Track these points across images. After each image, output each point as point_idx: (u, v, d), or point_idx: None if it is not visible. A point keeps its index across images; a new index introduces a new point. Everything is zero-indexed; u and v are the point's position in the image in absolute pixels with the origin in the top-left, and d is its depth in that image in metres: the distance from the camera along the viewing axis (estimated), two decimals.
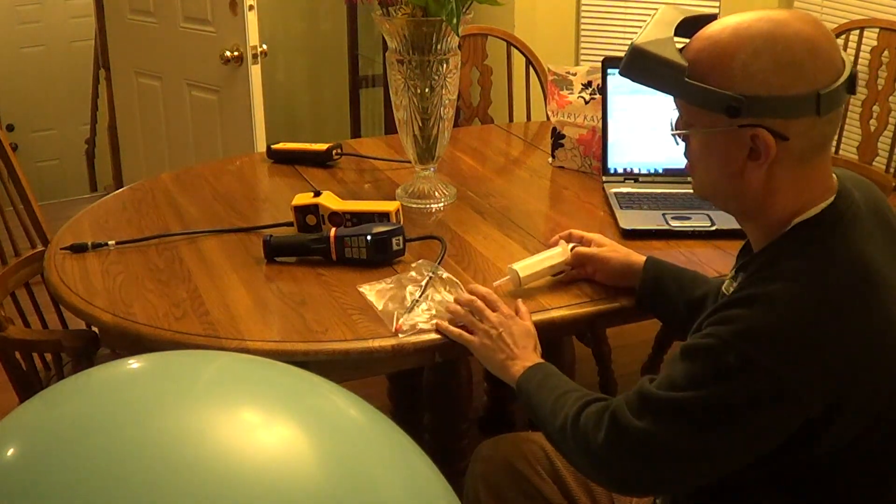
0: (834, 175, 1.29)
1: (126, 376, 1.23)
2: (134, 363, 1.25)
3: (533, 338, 1.60)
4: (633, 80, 1.30)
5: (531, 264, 1.78)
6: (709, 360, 1.20)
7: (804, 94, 1.19)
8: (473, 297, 1.65)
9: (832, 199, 1.25)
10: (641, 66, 1.28)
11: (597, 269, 1.77)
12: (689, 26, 1.30)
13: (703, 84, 1.22)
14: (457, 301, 1.66)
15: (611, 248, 1.77)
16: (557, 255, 1.80)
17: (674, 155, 2.24)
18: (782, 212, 1.26)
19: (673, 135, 1.33)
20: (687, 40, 1.29)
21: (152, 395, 1.15)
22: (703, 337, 1.23)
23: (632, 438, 1.25)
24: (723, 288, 1.44)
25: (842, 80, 1.21)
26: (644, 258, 1.73)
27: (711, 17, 1.29)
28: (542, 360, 1.55)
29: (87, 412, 1.13)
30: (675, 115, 1.32)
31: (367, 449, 1.18)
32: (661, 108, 2.25)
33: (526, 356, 1.56)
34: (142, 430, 1.07)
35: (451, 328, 1.63)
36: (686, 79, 1.23)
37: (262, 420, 1.15)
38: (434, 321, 1.66)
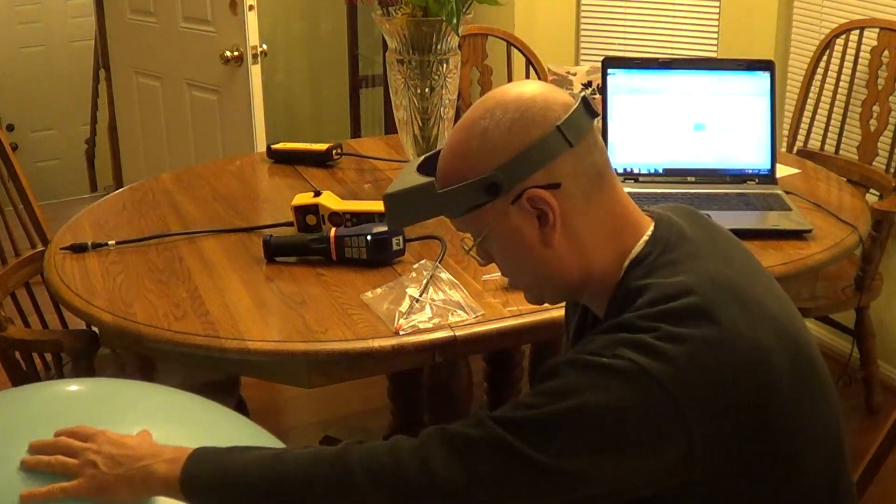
0: (649, 210, 1.26)
1: (60, 399, 1.23)
2: (73, 386, 1.26)
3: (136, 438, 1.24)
4: (403, 225, 1.30)
5: None
6: (573, 367, 1.12)
7: (545, 134, 1.16)
8: (50, 441, 1.21)
9: (650, 230, 1.22)
10: (397, 207, 1.27)
11: None
12: (427, 164, 1.28)
13: (456, 185, 1.19)
14: (34, 449, 1.21)
15: None
16: None
17: (674, 155, 2.27)
18: (606, 259, 1.21)
19: (472, 254, 1.27)
20: None
21: (80, 420, 1.16)
22: (556, 362, 1.14)
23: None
24: None
25: (575, 106, 1.19)
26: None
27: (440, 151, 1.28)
28: (187, 447, 1.21)
29: (10, 426, 1.13)
30: (467, 242, 1.28)
31: None
32: (661, 107, 2.27)
33: (155, 452, 1.20)
34: None
35: (38, 491, 1.18)
36: (439, 192, 1.21)
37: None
38: (434, 321, 1.66)
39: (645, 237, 1.22)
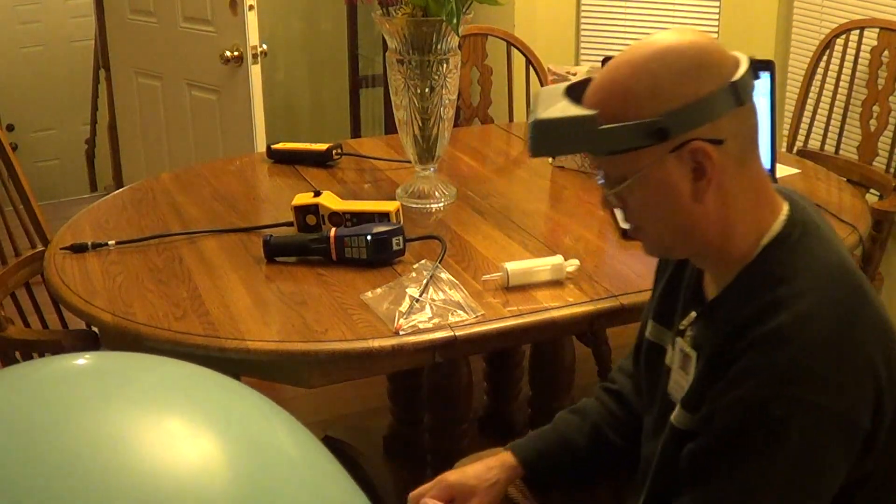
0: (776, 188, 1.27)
1: (64, 373, 1.23)
2: (80, 360, 1.25)
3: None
4: (548, 154, 1.26)
5: (522, 269, 1.80)
6: (751, 427, 1.12)
7: (720, 89, 1.15)
8: None
9: (787, 209, 1.22)
10: (550, 135, 1.21)
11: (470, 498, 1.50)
12: (574, 92, 1.24)
13: (619, 123, 1.16)
14: None
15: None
16: (551, 269, 1.81)
17: None
18: (746, 232, 1.20)
19: (610, 197, 1.23)
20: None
21: (84, 394, 1.15)
22: (724, 412, 1.14)
23: None
24: (651, 337, 1.37)
25: (745, 66, 1.18)
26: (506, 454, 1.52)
27: (591, 80, 1.24)
28: None
29: (6, 408, 1.13)
30: (603, 182, 1.24)
31: (286, 478, 1.18)
32: None
33: None
34: (62, 430, 1.07)
35: None
36: (600, 126, 1.16)
37: (188, 432, 1.15)
38: (434, 321, 1.66)
39: (783, 216, 1.21)
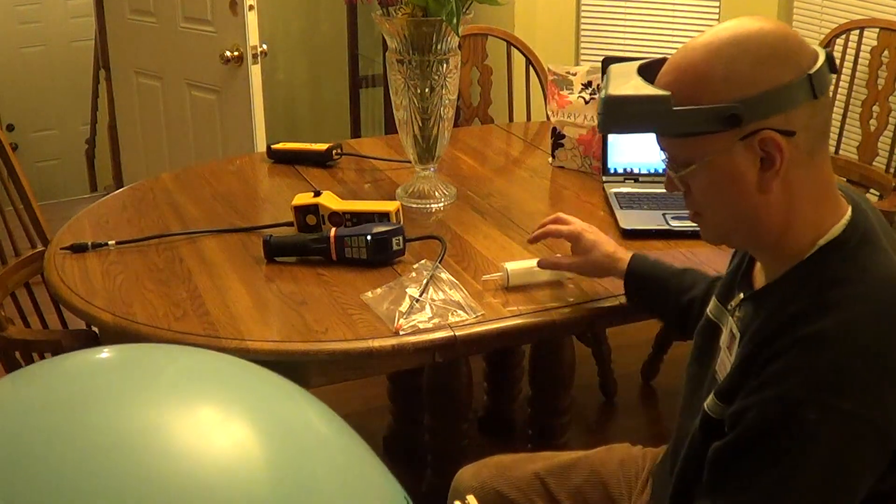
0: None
1: (91, 366, 1.22)
2: (104, 353, 1.25)
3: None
4: (618, 132, 1.24)
5: (523, 269, 1.80)
6: (783, 428, 1.11)
7: (796, 80, 1.14)
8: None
9: (849, 214, 1.20)
10: (620, 113, 1.21)
11: (580, 251, 1.74)
12: (646, 72, 1.24)
13: (692, 106, 1.15)
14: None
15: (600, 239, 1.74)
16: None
17: None
18: (804, 230, 1.19)
19: (674, 180, 1.24)
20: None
21: (113, 386, 1.15)
22: (757, 409, 1.13)
23: None
24: (710, 314, 1.37)
25: (822, 58, 1.17)
26: (629, 257, 1.69)
27: (664, 60, 1.23)
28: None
29: (39, 403, 1.12)
30: (666, 164, 1.24)
31: (320, 459, 1.18)
32: None
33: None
34: (94, 424, 1.07)
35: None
36: (674, 108, 1.16)
37: (220, 419, 1.15)
38: (434, 321, 1.66)
39: (844, 220, 1.19)
